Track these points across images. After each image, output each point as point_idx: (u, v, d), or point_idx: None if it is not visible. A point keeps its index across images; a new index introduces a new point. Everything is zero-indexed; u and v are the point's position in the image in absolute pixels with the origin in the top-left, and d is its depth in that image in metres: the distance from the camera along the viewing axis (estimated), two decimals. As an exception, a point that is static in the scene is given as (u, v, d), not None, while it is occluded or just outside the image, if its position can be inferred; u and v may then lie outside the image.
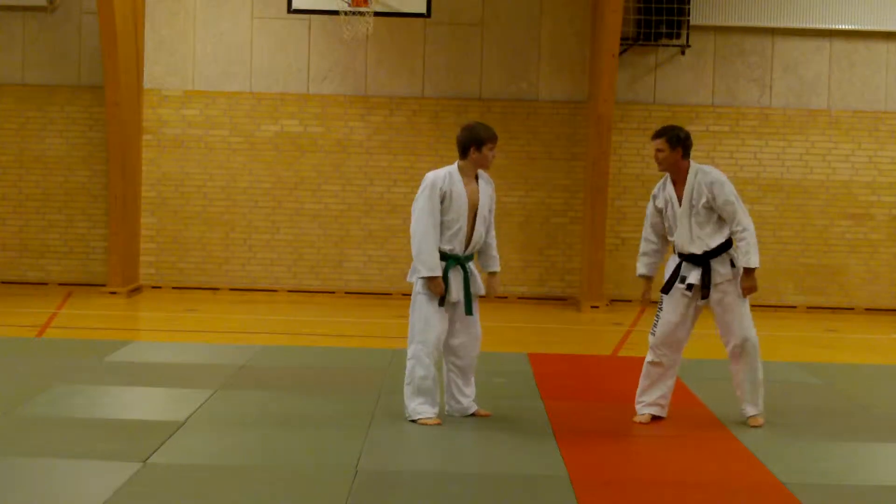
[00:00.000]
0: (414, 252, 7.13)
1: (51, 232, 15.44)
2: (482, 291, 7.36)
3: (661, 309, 7.40)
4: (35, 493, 5.52)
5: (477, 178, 7.30)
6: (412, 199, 7.26)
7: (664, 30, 14.96)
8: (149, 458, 6.14)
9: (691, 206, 7.29)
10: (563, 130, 15.32)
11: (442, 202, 7.13)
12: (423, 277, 7.10)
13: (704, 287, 7.24)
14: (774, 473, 6.22)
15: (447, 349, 7.33)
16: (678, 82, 15.32)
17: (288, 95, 15.34)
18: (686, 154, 7.41)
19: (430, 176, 7.21)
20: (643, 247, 7.60)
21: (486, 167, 7.30)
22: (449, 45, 15.32)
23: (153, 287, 15.39)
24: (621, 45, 14.49)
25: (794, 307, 15.19)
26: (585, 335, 12.66)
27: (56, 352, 9.78)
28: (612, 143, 14.84)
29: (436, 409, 7.19)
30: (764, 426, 7.31)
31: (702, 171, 7.36)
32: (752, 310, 7.39)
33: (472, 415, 7.35)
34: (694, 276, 7.28)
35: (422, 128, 15.35)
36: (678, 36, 15.00)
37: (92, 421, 7.06)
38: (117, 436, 6.61)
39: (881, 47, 15.32)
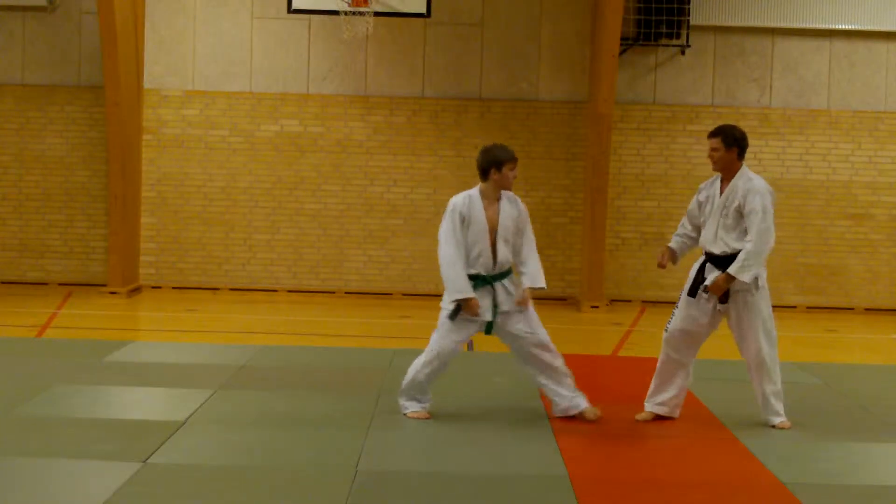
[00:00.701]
0: (443, 277, 7.29)
1: (51, 232, 15.44)
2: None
3: (677, 307, 7.44)
4: (35, 493, 5.52)
5: (500, 199, 7.37)
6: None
7: (664, 30, 14.96)
8: (149, 458, 6.15)
9: (724, 207, 7.27)
10: (563, 130, 15.32)
11: (466, 222, 7.26)
12: (456, 301, 7.23)
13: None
14: (774, 473, 6.23)
15: (523, 357, 7.47)
16: (678, 82, 15.32)
17: (288, 95, 15.35)
18: (741, 155, 7.33)
19: (452, 200, 7.36)
20: (678, 230, 7.65)
21: (508, 187, 7.38)
22: (449, 45, 15.32)
23: (153, 287, 15.39)
24: (621, 45, 14.48)
25: (794, 307, 15.18)
26: (585, 335, 12.65)
27: (56, 352, 9.77)
28: (612, 143, 14.83)
29: (421, 405, 7.40)
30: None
31: (746, 177, 7.29)
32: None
33: (578, 415, 7.42)
34: (711, 279, 7.27)
35: (422, 128, 15.35)
36: (678, 36, 15.00)
37: (92, 421, 7.06)
38: (117, 436, 6.62)
39: (881, 47, 15.32)
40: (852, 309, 15.31)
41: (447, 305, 7.32)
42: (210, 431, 6.87)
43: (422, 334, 12.22)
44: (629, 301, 15.16)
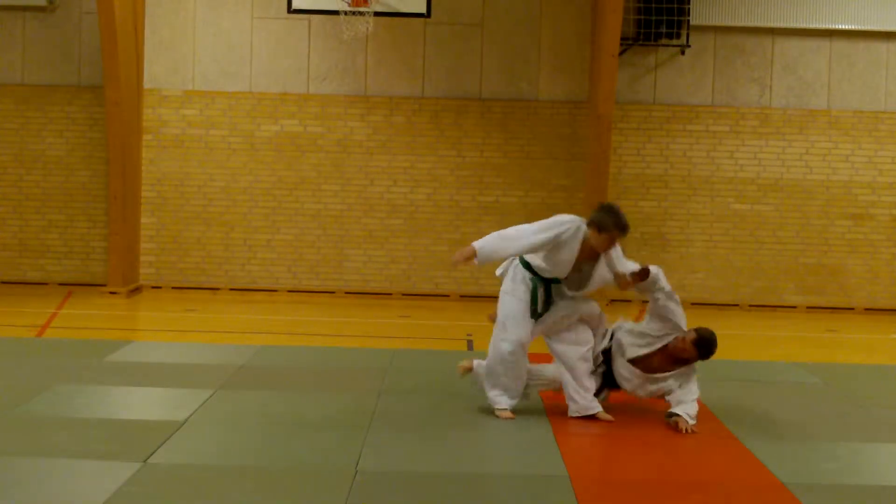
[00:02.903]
0: (485, 250, 7.15)
1: (51, 232, 15.44)
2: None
3: None
4: (35, 493, 5.52)
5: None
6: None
7: (664, 30, 14.96)
8: (149, 458, 6.15)
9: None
10: (563, 130, 15.32)
11: (554, 245, 7.20)
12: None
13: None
14: (774, 473, 6.22)
15: (553, 353, 7.53)
16: (678, 82, 15.32)
17: (288, 95, 15.34)
18: None
19: (565, 219, 7.21)
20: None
21: (598, 251, 7.23)
22: (449, 45, 15.32)
23: (153, 287, 15.39)
24: (621, 45, 14.49)
25: (794, 307, 15.18)
26: (585, 335, 12.62)
27: (56, 352, 9.77)
28: (612, 143, 14.83)
29: (513, 402, 7.44)
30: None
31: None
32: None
33: (593, 416, 7.43)
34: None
35: (422, 128, 15.34)
36: (678, 36, 15.00)
37: (92, 421, 7.06)
38: (117, 436, 6.61)
39: (881, 47, 15.32)
40: (852, 309, 15.31)
41: (508, 290, 7.36)
42: (210, 431, 6.87)
43: (421, 334, 12.25)
44: (629, 301, 15.16)
